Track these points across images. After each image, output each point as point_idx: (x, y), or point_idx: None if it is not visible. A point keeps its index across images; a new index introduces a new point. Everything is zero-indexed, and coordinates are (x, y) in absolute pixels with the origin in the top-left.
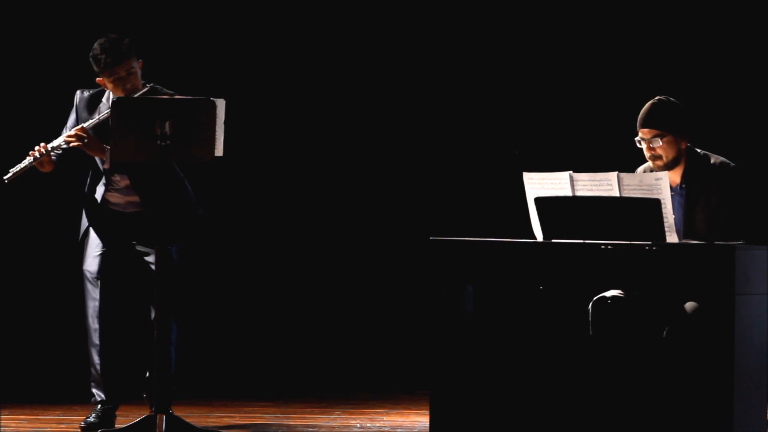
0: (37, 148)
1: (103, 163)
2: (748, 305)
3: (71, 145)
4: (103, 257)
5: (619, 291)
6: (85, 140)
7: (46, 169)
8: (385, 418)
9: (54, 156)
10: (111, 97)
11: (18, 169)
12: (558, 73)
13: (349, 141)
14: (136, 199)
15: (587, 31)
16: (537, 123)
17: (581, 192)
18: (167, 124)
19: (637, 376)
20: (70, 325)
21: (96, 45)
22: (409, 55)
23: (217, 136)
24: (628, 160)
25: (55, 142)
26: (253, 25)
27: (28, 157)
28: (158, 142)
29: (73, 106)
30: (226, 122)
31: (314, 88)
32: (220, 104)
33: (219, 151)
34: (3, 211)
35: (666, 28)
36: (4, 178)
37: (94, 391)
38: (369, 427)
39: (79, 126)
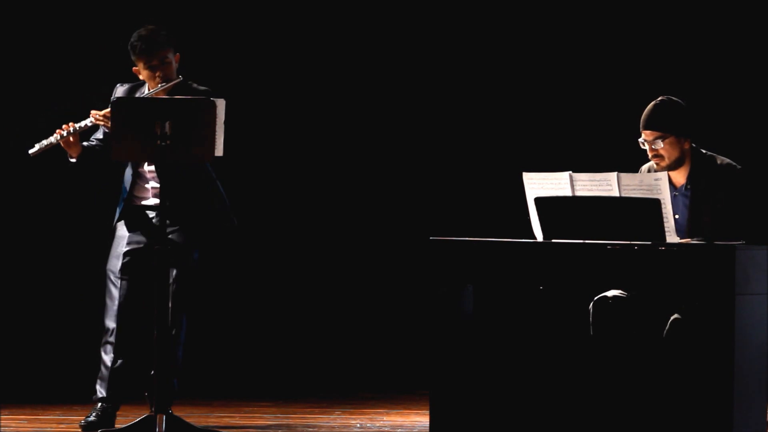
0: (64, 126)
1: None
2: (748, 305)
3: (98, 123)
4: (127, 256)
5: (620, 291)
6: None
7: (73, 151)
8: (385, 418)
9: (87, 144)
10: (148, 88)
11: (44, 145)
12: (558, 73)
13: (350, 141)
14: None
15: (588, 30)
16: (537, 123)
17: (581, 192)
18: (167, 124)
19: (638, 376)
20: (70, 325)
21: (135, 33)
22: (409, 55)
23: (217, 136)
24: (628, 160)
25: (83, 122)
26: (254, 25)
27: (55, 134)
28: (158, 142)
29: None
30: (226, 122)
31: (314, 88)
32: (220, 104)
33: (219, 151)
34: (2, 211)
35: (669, 27)
36: (29, 152)
37: (98, 387)
38: (369, 427)
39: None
